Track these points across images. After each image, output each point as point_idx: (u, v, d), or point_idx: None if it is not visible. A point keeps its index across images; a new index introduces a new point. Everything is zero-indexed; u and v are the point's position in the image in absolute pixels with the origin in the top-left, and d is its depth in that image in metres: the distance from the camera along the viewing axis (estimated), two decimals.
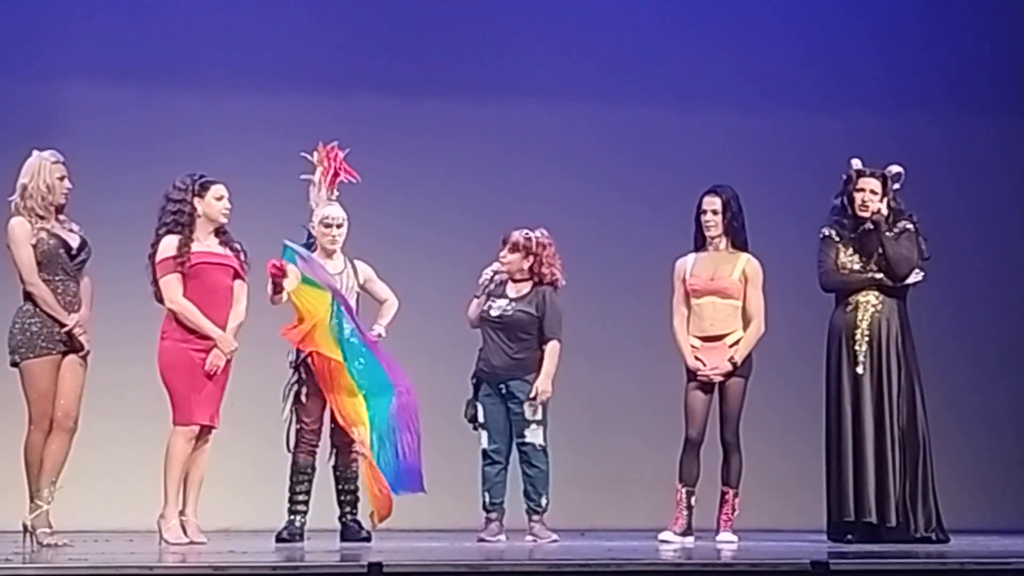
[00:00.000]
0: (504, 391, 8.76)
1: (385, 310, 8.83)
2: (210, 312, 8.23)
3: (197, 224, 8.28)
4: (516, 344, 8.78)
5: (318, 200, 8.77)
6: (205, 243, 8.30)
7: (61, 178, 8.08)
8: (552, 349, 8.77)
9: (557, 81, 11.14)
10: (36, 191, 8.00)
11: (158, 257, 8.25)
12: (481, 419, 8.78)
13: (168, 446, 8.21)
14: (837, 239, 8.78)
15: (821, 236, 8.82)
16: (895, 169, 8.78)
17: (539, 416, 8.75)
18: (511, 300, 8.81)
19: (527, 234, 8.82)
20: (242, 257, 8.39)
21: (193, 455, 8.26)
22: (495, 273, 8.87)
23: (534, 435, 8.74)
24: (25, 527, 7.92)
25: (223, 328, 8.25)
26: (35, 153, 8.11)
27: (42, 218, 8.01)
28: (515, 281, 8.86)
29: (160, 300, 8.29)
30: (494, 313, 8.79)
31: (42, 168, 8.05)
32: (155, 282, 8.28)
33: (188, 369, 8.20)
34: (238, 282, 8.37)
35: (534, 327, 8.77)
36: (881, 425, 8.60)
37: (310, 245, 8.74)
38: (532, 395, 8.72)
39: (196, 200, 8.29)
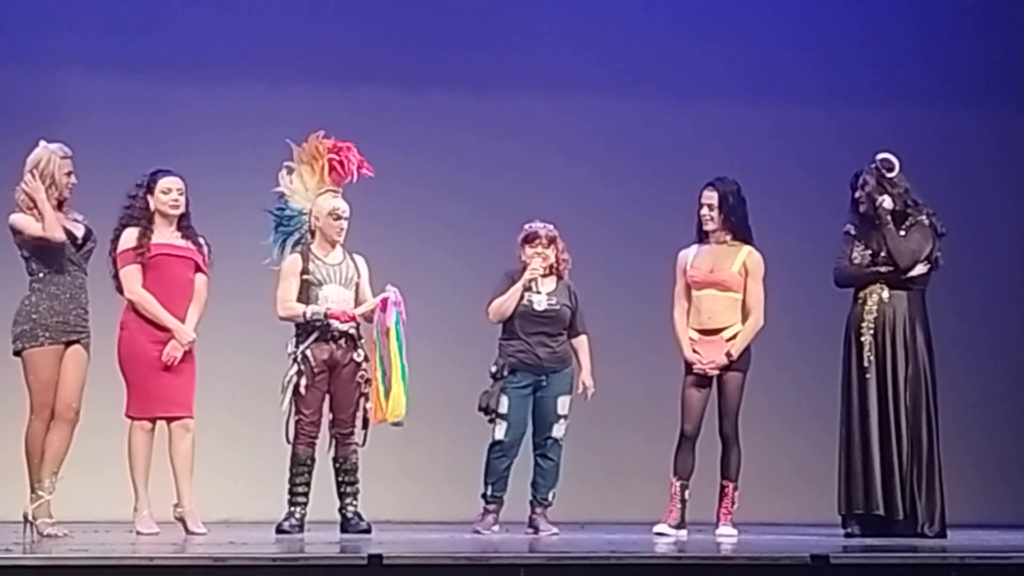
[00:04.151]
0: (544, 383, 8.78)
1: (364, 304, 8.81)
2: (169, 304, 8.29)
3: (155, 218, 8.34)
4: (557, 337, 8.83)
5: (304, 188, 8.76)
6: (165, 236, 8.35)
7: (68, 173, 8.10)
8: (586, 343, 8.93)
9: (560, 73, 11.14)
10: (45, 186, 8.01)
11: (118, 249, 8.33)
12: (504, 410, 8.75)
13: (128, 440, 8.26)
14: (854, 234, 8.84)
15: (843, 232, 8.88)
16: (879, 156, 8.81)
17: (568, 411, 8.83)
18: (548, 295, 8.84)
19: (549, 227, 8.88)
20: (205, 251, 8.44)
21: (175, 447, 8.30)
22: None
23: (560, 430, 8.83)
24: (26, 517, 7.92)
25: (183, 320, 8.27)
26: (42, 144, 8.11)
27: None
28: (542, 275, 8.89)
29: (122, 292, 8.34)
30: (539, 308, 8.81)
31: (51, 162, 8.06)
32: (116, 275, 8.33)
33: (145, 361, 8.25)
34: (199, 275, 8.41)
35: (569, 321, 8.86)
36: (886, 418, 8.65)
37: (290, 231, 8.75)
38: (581, 390, 8.84)
39: (148, 196, 8.37)
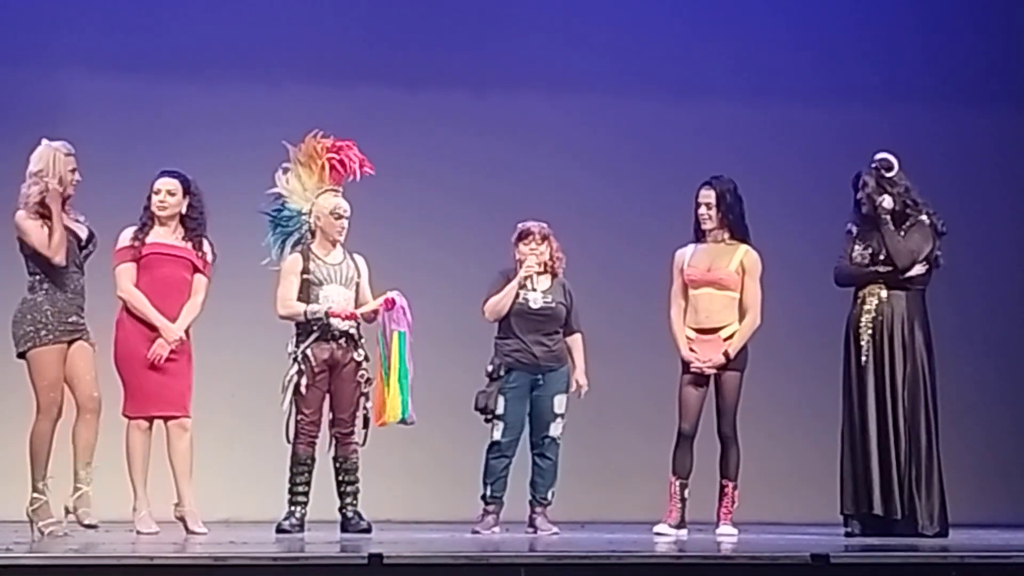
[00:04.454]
0: (541, 382, 8.79)
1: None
2: (161, 303, 8.29)
3: (154, 218, 8.37)
4: (553, 336, 8.85)
5: (302, 188, 8.76)
6: (162, 236, 8.36)
7: (72, 170, 8.11)
8: (581, 341, 8.95)
9: (559, 73, 11.15)
10: (49, 183, 8.01)
11: (116, 248, 8.33)
12: (501, 411, 8.77)
13: (126, 440, 8.26)
14: (856, 233, 8.84)
15: (845, 230, 8.89)
16: (878, 156, 8.82)
17: (565, 410, 8.85)
18: (543, 292, 8.85)
19: (543, 225, 8.91)
20: (207, 253, 8.42)
21: (173, 447, 8.30)
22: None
23: (557, 428, 8.85)
24: (67, 509, 8.01)
25: (174, 319, 8.27)
26: (45, 143, 8.12)
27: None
28: (536, 273, 8.89)
29: None
30: (535, 306, 8.82)
31: (56, 159, 8.07)
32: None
33: (140, 361, 8.25)
34: (198, 276, 8.41)
35: (565, 319, 8.87)
36: (884, 417, 8.67)
37: (289, 231, 8.76)
38: (574, 388, 8.86)
39: (149, 201, 8.39)
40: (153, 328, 8.26)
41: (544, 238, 8.88)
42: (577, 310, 8.95)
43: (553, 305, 8.85)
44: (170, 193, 8.39)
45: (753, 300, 8.75)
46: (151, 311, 8.26)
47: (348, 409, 8.65)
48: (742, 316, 8.73)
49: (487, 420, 8.79)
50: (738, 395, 8.71)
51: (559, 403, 8.84)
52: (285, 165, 8.79)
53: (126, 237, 8.35)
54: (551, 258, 8.89)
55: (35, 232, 7.98)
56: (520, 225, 8.94)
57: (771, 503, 10.01)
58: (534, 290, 8.85)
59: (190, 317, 8.37)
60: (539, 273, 8.87)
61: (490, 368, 8.80)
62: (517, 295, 8.81)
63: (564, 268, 8.95)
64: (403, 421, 8.62)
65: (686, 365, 8.73)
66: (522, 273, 8.81)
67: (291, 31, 10.94)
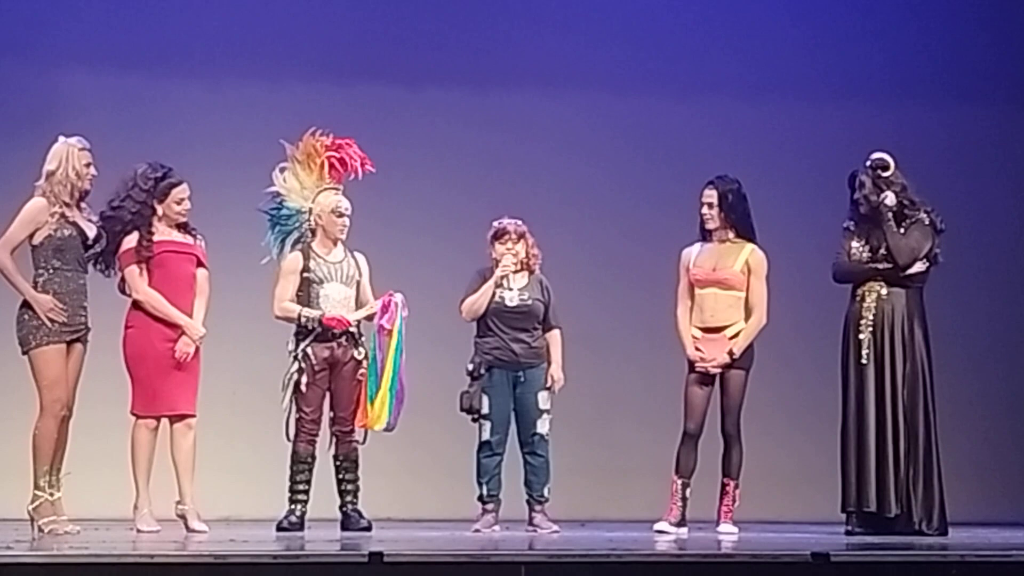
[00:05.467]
0: (522, 379, 8.79)
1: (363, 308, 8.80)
2: (175, 300, 8.29)
3: (154, 218, 8.32)
4: (532, 332, 8.84)
5: (300, 187, 8.76)
6: (166, 233, 8.34)
7: (87, 164, 8.11)
8: (559, 337, 8.90)
9: (561, 70, 11.14)
10: (65, 177, 8.01)
11: (121, 249, 8.29)
12: (486, 410, 8.77)
13: (131, 438, 8.25)
14: (853, 230, 8.83)
15: (843, 227, 8.87)
16: (873, 156, 8.81)
17: (550, 405, 8.84)
18: (519, 290, 8.85)
19: (518, 222, 8.90)
20: (202, 245, 8.42)
21: (177, 445, 8.28)
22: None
23: (544, 425, 8.83)
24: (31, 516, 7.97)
25: (189, 316, 8.27)
26: (61, 139, 8.14)
27: (66, 204, 8.02)
28: (513, 271, 8.89)
29: (123, 291, 8.34)
30: (511, 304, 8.82)
31: (70, 154, 8.08)
32: (120, 270, 8.34)
33: (153, 360, 8.23)
34: (201, 270, 8.40)
35: (543, 315, 8.85)
36: (883, 415, 8.67)
37: (289, 230, 8.76)
38: (549, 384, 8.82)
39: (156, 203, 8.32)
40: (169, 327, 8.25)
41: (520, 236, 8.88)
42: (555, 306, 8.93)
43: (530, 302, 8.85)
44: (189, 198, 8.38)
45: (758, 299, 8.74)
46: (172, 311, 8.24)
47: (348, 407, 8.66)
48: (747, 315, 8.73)
49: (474, 420, 8.78)
50: (743, 394, 8.70)
51: (543, 399, 8.83)
52: (283, 164, 8.79)
53: (133, 237, 8.30)
54: (527, 255, 8.89)
55: (18, 227, 7.97)
56: (495, 223, 8.94)
57: (772, 501, 10.01)
58: (510, 288, 8.85)
59: (203, 312, 8.37)
60: (516, 271, 8.87)
61: (470, 367, 8.79)
62: (494, 294, 8.81)
63: (540, 264, 8.93)
64: (385, 428, 8.64)
65: (692, 364, 8.72)
66: (498, 272, 8.82)
67: (291, 28, 10.93)
